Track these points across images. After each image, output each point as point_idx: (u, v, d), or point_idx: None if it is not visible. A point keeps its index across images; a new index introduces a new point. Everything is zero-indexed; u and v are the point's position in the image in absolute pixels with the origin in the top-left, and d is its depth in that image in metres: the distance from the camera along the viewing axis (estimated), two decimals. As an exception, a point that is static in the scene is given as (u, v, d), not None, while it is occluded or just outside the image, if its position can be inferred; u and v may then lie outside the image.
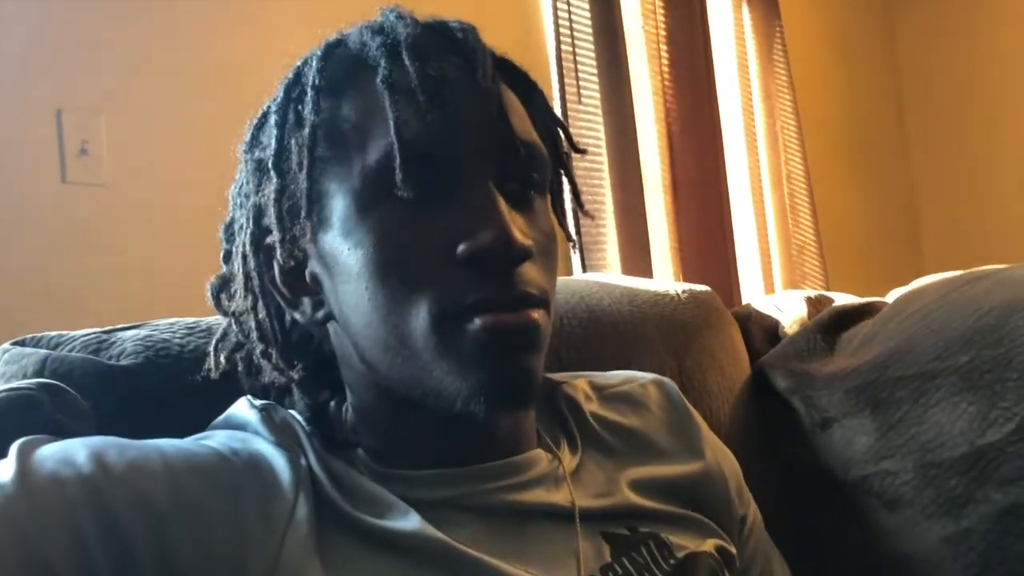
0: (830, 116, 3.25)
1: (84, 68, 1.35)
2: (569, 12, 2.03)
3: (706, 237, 2.29)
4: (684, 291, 1.11)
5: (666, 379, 0.74)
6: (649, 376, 0.73)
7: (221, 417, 0.59)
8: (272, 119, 0.57)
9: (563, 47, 2.00)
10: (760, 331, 1.14)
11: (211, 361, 0.63)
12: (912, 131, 3.84)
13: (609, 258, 2.06)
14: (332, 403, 0.61)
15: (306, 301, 0.58)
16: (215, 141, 1.42)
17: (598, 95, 2.07)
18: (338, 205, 0.54)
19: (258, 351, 0.59)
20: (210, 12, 1.49)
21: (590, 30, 2.07)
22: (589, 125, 2.07)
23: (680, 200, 2.25)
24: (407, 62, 0.53)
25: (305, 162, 0.54)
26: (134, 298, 1.30)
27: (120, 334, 0.71)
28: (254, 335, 0.59)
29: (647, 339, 1.02)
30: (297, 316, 0.58)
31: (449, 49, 0.55)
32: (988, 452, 0.81)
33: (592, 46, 2.07)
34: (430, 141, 0.52)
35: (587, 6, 2.08)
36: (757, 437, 1.01)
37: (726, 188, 2.37)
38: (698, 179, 2.29)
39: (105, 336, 0.71)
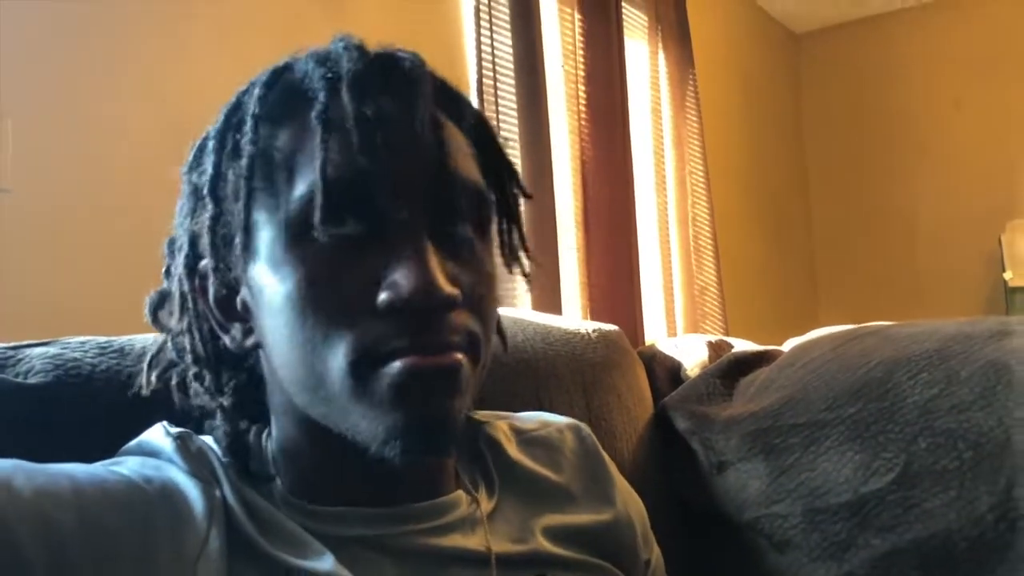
0: (737, 165, 3.39)
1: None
2: (492, 47, 2.07)
3: (614, 274, 2.35)
4: (594, 330, 1.14)
5: (582, 425, 0.75)
6: (565, 421, 0.75)
7: (134, 442, 0.58)
8: (210, 144, 0.57)
9: (484, 81, 2.03)
10: (663, 372, 1.18)
11: (143, 378, 0.62)
12: (813, 186, 4.04)
13: (519, 290, 2.09)
14: (252, 432, 0.61)
15: (236, 327, 0.57)
16: (130, 147, 1.40)
17: (517, 130, 2.11)
18: (266, 237, 0.54)
19: (191, 373, 0.59)
20: (125, 15, 1.46)
21: (511, 66, 2.11)
22: (506, 158, 2.10)
23: (591, 238, 2.31)
24: (345, 98, 0.52)
25: (242, 193, 0.54)
26: (41, 313, 1.25)
27: (28, 351, 0.69)
28: (188, 357, 0.59)
29: (558, 376, 1.04)
30: (227, 341, 0.58)
31: (392, 84, 0.55)
32: (870, 500, 0.86)
33: (513, 82, 2.11)
34: (359, 183, 0.51)
35: (509, 43, 2.12)
36: (658, 476, 1.05)
37: (635, 227, 2.43)
38: (609, 218, 2.35)
39: (11, 352, 0.69)
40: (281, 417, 0.59)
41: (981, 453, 0.82)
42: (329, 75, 0.54)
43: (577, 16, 2.35)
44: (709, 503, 0.99)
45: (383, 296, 0.50)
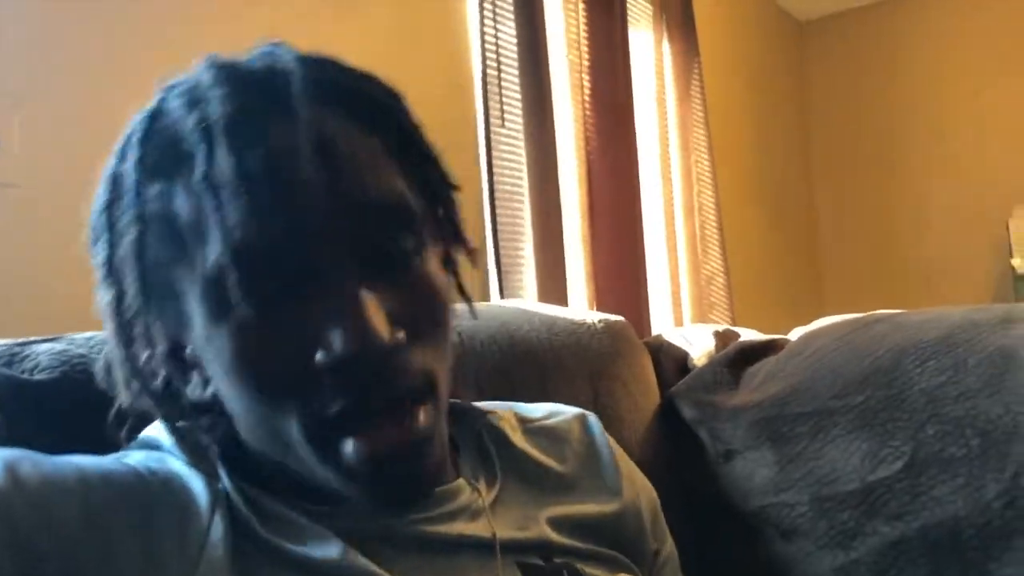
0: (742, 153, 3.38)
1: (3, 57, 1.30)
2: (496, 38, 2.07)
3: (620, 263, 2.34)
4: (600, 320, 1.14)
5: (589, 414, 0.74)
6: (572, 411, 0.74)
7: (138, 438, 0.58)
8: (99, 218, 0.53)
9: (488, 71, 2.03)
10: (670, 362, 1.18)
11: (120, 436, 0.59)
12: (818, 173, 4.03)
13: (526, 280, 2.09)
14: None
15: (195, 377, 0.55)
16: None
17: (521, 120, 2.11)
18: (194, 307, 0.50)
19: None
20: (137, 10, 1.46)
21: (515, 57, 2.11)
22: (511, 149, 2.10)
23: (597, 227, 2.30)
24: (224, 154, 0.47)
25: (134, 285, 0.50)
26: (48, 308, 1.26)
27: (34, 347, 0.70)
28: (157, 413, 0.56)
29: (563, 366, 1.04)
30: (188, 392, 0.55)
31: (273, 115, 0.49)
32: (878, 488, 0.86)
33: (517, 73, 2.11)
34: (264, 244, 0.47)
35: (513, 33, 2.11)
36: (665, 465, 1.05)
37: (640, 217, 2.43)
38: (614, 207, 2.35)
39: (18, 348, 0.69)
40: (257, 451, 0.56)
41: (989, 440, 0.82)
42: (203, 125, 0.49)
43: (581, 5, 2.34)
44: (716, 492, 0.99)
45: (319, 357, 0.47)
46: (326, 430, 0.49)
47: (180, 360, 0.54)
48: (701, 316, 2.72)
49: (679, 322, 2.66)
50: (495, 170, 2.01)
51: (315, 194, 0.48)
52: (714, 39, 3.12)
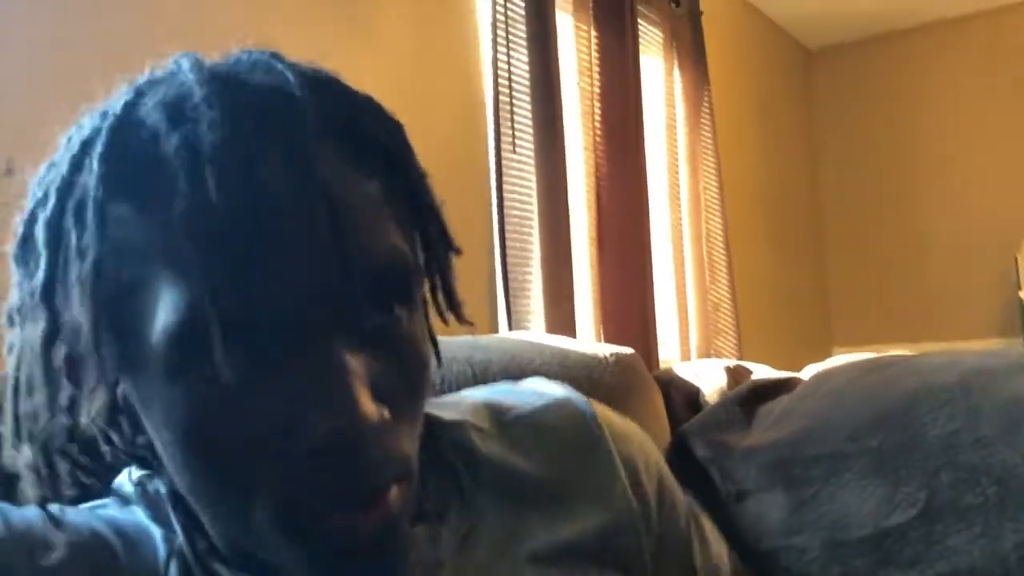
0: (750, 181, 3.38)
1: (13, 78, 1.31)
2: (508, 64, 2.07)
3: (628, 289, 2.34)
4: (612, 354, 1.14)
5: (579, 398, 0.63)
6: (559, 395, 0.63)
7: (113, 484, 0.55)
8: (40, 233, 0.44)
9: (500, 96, 2.03)
10: (681, 397, 1.17)
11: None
12: (826, 202, 4.03)
13: (533, 305, 2.09)
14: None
15: (124, 422, 0.48)
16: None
17: (532, 146, 2.11)
18: (145, 352, 0.42)
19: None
20: (145, 27, 1.47)
21: (528, 83, 2.11)
22: (521, 175, 2.10)
23: (605, 253, 2.30)
24: (212, 189, 0.40)
25: (88, 317, 0.42)
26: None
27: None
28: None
29: (574, 401, 1.04)
30: (115, 438, 0.49)
31: (273, 145, 0.42)
32: (892, 534, 0.85)
33: (529, 99, 2.11)
34: (244, 303, 0.40)
35: (526, 59, 2.12)
36: (674, 504, 1.04)
37: (649, 243, 2.43)
38: (623, 233, 2.35)
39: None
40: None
41: (1006, 489, 0.81)
42: (188, 150, 0.41)
43: (593, 33, 2.35)
44: (727, 532, 0.97)
45: (297, 441, 0.41)
46: (297, 516, 0.43)
47: (111, 403, 0.47)
48: (707, 342, 2.71)
49: (685, 347, 2.66)
50: (505, 195, 2.01)
51: (313, 252, 0.41)
52: (724, 67, 3.13)
